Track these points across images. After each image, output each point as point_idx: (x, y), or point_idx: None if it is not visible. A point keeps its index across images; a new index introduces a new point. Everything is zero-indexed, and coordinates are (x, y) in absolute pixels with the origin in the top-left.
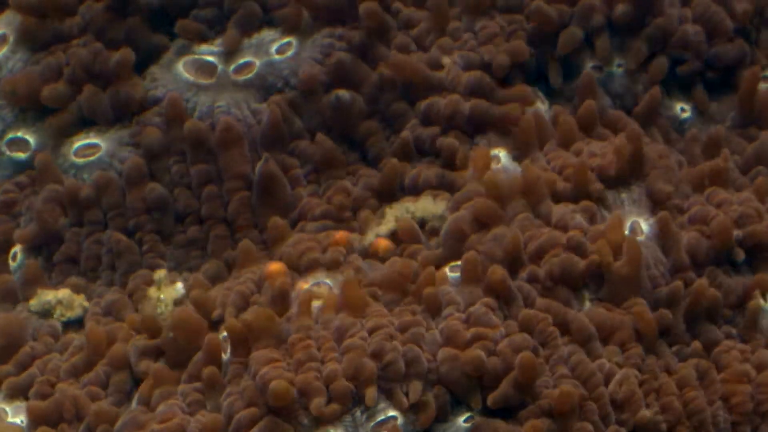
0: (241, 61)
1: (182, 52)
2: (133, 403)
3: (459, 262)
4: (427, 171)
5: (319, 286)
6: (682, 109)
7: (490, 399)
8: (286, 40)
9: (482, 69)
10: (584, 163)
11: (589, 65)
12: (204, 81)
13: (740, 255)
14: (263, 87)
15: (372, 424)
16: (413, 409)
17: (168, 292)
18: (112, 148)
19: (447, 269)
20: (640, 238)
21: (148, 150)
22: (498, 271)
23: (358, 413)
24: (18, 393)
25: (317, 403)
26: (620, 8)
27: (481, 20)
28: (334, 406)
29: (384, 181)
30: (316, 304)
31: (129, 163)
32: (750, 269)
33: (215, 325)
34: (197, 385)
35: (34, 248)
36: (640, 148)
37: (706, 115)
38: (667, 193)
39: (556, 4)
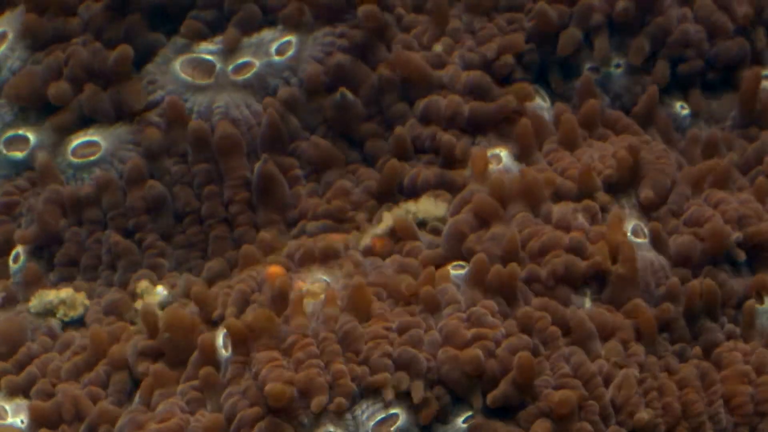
0: (240, 60)
1: (181, 51)
2: (134, 403)
3: (461, 262)
4: (426, 171)
5: (314, 284)
6: (682, 107)
7: (490, 398)
8: (285, 39)
9: (482, 68)
10: (588, 166)
11: (587, 65)
12: (202, 81)
13: (741, 255)
14: (262, 87)
15: (372, 423)
16: (415, 408)
17: (151, 299)
18: (112, 147)
19: (450, 267)
20: (643, 240)
21: (148, 150)
22: (505, 272)
23: (359, 412)
24: (17, 392)
25: (318, 401)
26: (621, 4)
27: (481, 20)
28: (337, 403)
29: (383, 181)
30: (313, 301)
31: (129, 163)
32: (751, 270)
33: (215, 323)
34: (195, 383)
35: (35, 249)
36: (639, 158)
37: (706, 115)
38: (655, 200)
39: (555, 4)
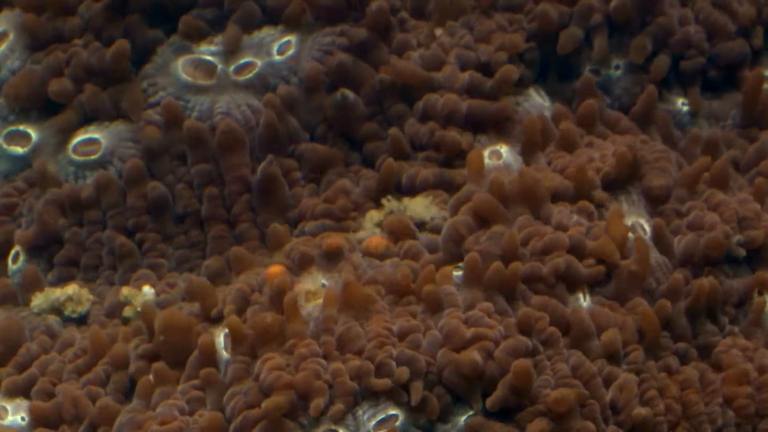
0: (242, 61)
1: (180, 50)
2: (133, 402)
3: (462, 263)
4: (425, 170)
5: (314, 286)
6: (684, 104)
7: (488, 402)
8: (286, 39)
9: (479, 68)
10: (584, 166)
11: (587, 66)
12: (204, 82)
13: (741, 252)
14: (264, 87)
15: (373, 423)
16: (416, 408)
17: (140, 302)
18: (112, 145)
19: (452, 268)
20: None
21: (148, 148)
22: (503, 269)
23: (360, 412)
24: (18, 392)
25: (316, 404)
26: (614, 3)
27: (481, 20)
28: (338, 406)
29: (380, 180)
30: (314, 303)
31: (129, 163)
32: (750, 269)
33: (213, 321)
34: (196, 382)
35: (35, 249)
36: (637, 156)
37: (707, 113)
38: (664, 188)
39: (556, 4)
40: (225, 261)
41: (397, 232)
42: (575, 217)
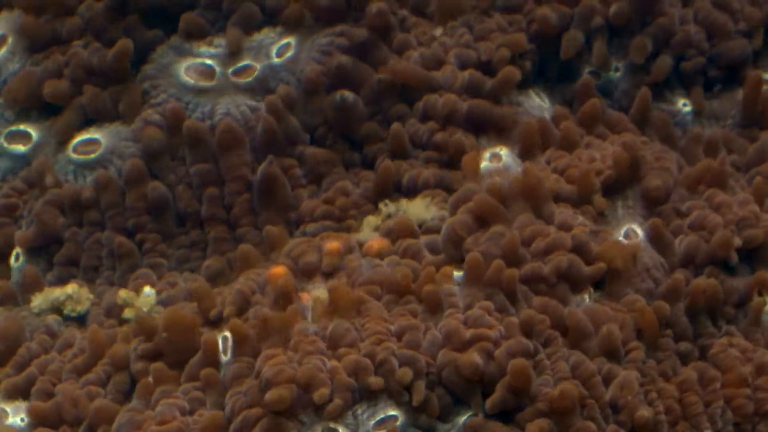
0: (241, 64)
1: (180, 50)
2: (133, 402)
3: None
4: (426, 171)
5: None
6: (685, 104)
7: (488, 404)
8: (285, 41)
9: (479, 67)
10: (587, 170)
11: (587, 68)
12: (205, 84)
13: (734, 258)
14: (264, 91)
15: (373, 422)
16: (416, 408)
17: (141, 303)
18: (112, 144)
19: (452, 268)
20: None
21: (148, 149)
22: (504, 269)
23: (360, 411)
24: (17, 393)
25: (321, 393)
26: (614, 8)
27: (481, 19)
28: (337, 402)
29: (378, 182)
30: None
31: (128, 163)
32: (750, 269)
33: (213, 322)
34: (197, 383)
35: (35, 250)
36: (637, 155)
37: (706, 113)
38: (662, 189)
39: (556, 4)
40: (225, 261)
41: (398, 232)
42: (580, 218)
